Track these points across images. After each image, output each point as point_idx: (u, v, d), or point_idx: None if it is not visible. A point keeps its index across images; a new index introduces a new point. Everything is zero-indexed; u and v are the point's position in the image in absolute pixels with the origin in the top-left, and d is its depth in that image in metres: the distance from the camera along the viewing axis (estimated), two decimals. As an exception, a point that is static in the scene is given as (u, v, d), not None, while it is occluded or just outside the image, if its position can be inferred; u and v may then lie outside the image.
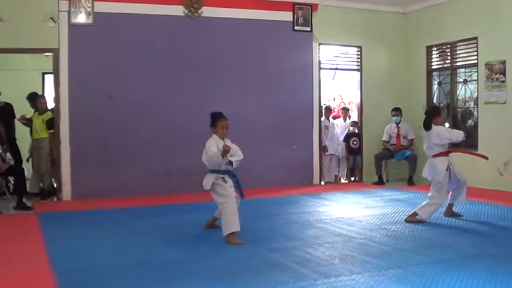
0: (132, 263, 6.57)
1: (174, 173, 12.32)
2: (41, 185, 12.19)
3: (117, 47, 12.10)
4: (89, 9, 11.73)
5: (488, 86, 12.47)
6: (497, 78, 12.27)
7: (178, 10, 12.52)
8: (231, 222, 7.51)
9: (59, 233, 8.43)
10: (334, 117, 15.31)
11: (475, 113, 13.09)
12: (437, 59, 14.50)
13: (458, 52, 13.78)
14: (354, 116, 15.38)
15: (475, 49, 13.03)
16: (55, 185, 12.11)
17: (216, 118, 7.98)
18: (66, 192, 11.69)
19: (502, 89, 12.14)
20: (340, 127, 15.12)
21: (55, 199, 11.85)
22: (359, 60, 14.78)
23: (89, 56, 11.87)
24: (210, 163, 7.75)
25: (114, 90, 12.00)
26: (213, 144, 7.73)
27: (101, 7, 11.84)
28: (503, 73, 12.15)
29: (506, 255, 6.73)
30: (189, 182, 12.17)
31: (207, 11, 12.70)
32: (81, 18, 11.71)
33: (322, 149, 14.19)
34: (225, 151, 7.63)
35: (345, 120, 15.20)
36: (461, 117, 13.81)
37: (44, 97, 12.65)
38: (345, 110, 15.39)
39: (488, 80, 12.49)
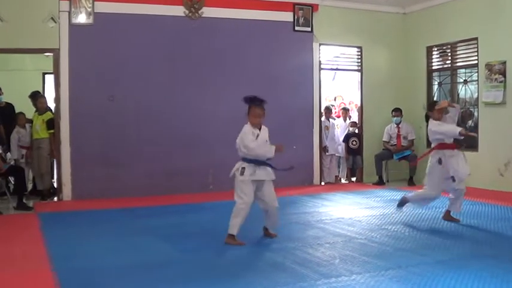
0: (133, 263, 6.57)
1: (175, 173, 12.32)
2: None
3: (117, 47, 12.10)
4: (89, 10, 11.74)
5: (487, 86, 12.46)
6: (496, 79, 12.26)
7: (179, 10, 12.52)
8: (233, 225, 7.46)
9: (59, 233, 8.43)
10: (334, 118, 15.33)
11: (476, 114, 13.09)
12: (438, 60, 14.50)
13: (458, 52, 13.78)
14: (354, 116, 15.39)
15: (475, 50, 13.02)
16: (55, 185, 12.14)
17: (250, 102, 8.02)
18: (67, 192, 11.69)
19: (500, 89, 12.13)
20: (340, 127, 15.11)
21: (55, 199, 11.87)
22: (359, 60, 14.78)
23: (89, 56, 11.87)
24: (250, 153, 7.56)
25: (115, 90, 12.01)
26: (249, 132, 7.69)
27: (101, 7, 11.84)
28: (502, 73, 12.14)
29: (506, 256, 6.72)
30: (189, 183, 12.23)
31: (207, 12, 12.70)
32: (82, 18, 11.72)
33: (323, 149, 14.19)
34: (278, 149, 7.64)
35: (345, 120, 15.21)
36: (461, 118, 13.80)
37: (44, 97, 12.68)
38: (345, 110, 15.41)
39: (487, 80, 12.48)
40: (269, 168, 7.69)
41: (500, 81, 12.15)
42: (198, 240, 7.78)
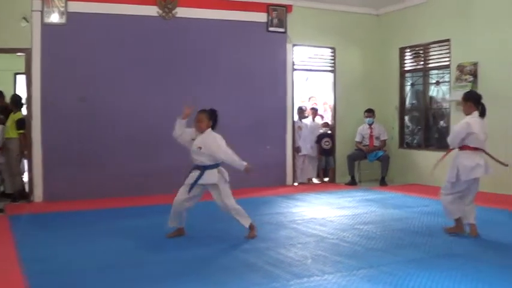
0: (105, 265, 6.54)
1: (148, 173, 12.26)
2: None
3: (90, 47, 12.00)
4: (62, 9, 11.65)
5: (456, 86, 12.56)
6: (465, 79, 12.36)
7: (152, 10, 12.46)
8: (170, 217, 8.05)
9: (30, 235, 8.35)
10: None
11: (447, 114, 13.17)
12: (410, 61, 14.59)
13: (431, 54, 13.89)
14: (328, 116, 15.42)
15: (448, 51, 13.14)
16: (26, 186, 12.01)
17: None
18: (38, 193, 11.57)
19: (467, 89, 12.18)
20: (309, 127, 15.01)
21: (27, 201, 11.71)
22: (333, 61, 14.82)
23: (62, 56, 11.75)
24: None
25: (88, 90, 11.91)
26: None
27: (74, 7, 11.74)
28: (473, 74, 12.24)
29: (476, 255, 6.81)
30: (162, 183, 12.12)
31: (181, 12, 12.66)
32: (54, 18, 11.62)
33: (296, 149, 14.21)
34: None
35: (313, 119, 15.20)
36: (433, 118, 13.91)
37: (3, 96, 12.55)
38: (314, 110, 15.37)
39: (457, 81, 12.58)
40: (210, 172, 7.88)
41: (469, 81, 12.25)
42: (172, 241, 7.77)
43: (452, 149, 8.22)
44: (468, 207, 8.01)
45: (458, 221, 8.10)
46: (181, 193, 7.92)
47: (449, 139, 8.17)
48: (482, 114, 7.91)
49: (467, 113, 7.99)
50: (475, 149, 7.84)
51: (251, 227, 7.96)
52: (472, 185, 7.95)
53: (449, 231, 8.14)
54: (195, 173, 7.86)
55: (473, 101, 7.97)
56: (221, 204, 7.88)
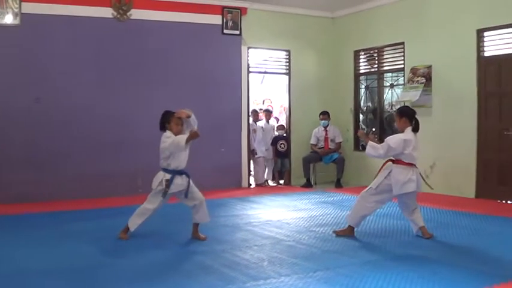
0: (60, 269, 6.42)
1: (104, 176, 12.15)
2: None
3: (45, 49, 11.83)
4: (16, 10, 11.46)
5: (407, 88, 12.68)
6: (417, 80, 12.47)
7: (107, 12, 12.35)
8: (135, 223, 7.85)
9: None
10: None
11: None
12: (365, 64, 14.70)
13: (385, 57, 14.01)
14: (283, 119, 15.44)
15: (402, 54, 13.25)
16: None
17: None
18: (-10, 195, 11.38)
19: (418, 90, 12.31)
20: (263, 129, 14.96)
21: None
22: (287, 64, 14.86)
23: (16, 57, 11.57)
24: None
25: (42, 92, 11.73)
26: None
27: (28, 8, 11.56)
28: (425, 76, 12.36)
29: (432, 256, 6.84)
30: (119, 185, 12.07)
31: (136, 14, 12.56)
32: (8, 19, 11.41)
33: (251, 152, 14.20)
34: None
35: (268, 122, 15.18)
36: (387, 121, 14.01)
37: None
38: (268, 112, 15.36)
39: (408, 82, 12.70)
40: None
41: (421, 83, 12.35)
42: (127, 244, 7.68)
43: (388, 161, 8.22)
44: (414, 214, 8.12)
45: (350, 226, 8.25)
46: (159, 202, 7.85)
47: (378, 152, 8.06)
48: (416, 129, 8.02)
49: (402, 129, 8.09)
50: (408, 164, 7.91)
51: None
52: (408, 198, 8.01)
53: (338, 233, 8.24)
54: (179, 180, 7.84)
55: (407, 117, 8.06)
56: (197, 195, 7.93)
